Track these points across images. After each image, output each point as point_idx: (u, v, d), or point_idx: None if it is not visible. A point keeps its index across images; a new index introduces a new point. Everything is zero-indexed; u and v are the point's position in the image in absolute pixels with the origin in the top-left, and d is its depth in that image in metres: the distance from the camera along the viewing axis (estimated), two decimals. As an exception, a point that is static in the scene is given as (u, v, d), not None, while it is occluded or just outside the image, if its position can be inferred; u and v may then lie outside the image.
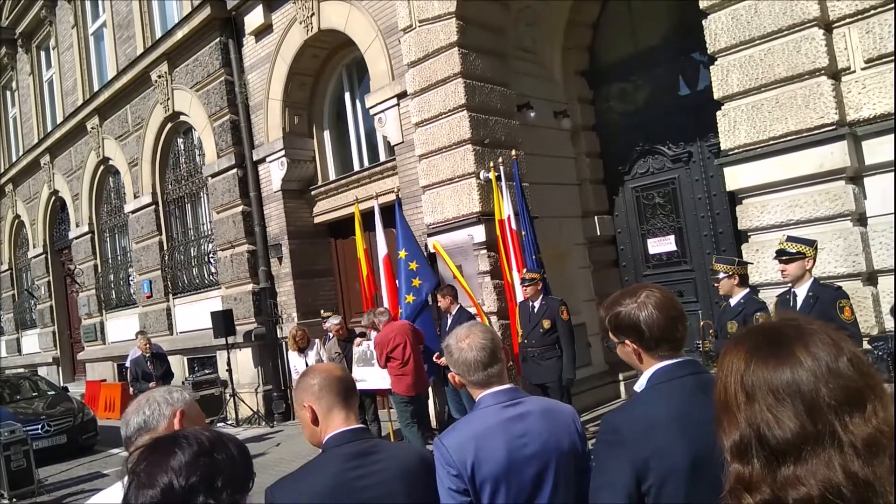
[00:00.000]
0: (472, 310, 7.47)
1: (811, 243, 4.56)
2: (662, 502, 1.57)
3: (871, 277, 5.17)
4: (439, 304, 7.39)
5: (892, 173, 5.03)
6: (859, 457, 0.90)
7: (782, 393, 0.95)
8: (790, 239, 4.62)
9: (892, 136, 4.99)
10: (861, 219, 5.24)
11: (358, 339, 7.88)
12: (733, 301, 5.10)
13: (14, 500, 7.84)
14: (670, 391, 1.68)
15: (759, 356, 1.00)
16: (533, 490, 1.90)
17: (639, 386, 1.78)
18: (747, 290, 5.13)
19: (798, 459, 0.92)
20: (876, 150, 5.13)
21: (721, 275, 5.13)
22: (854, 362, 0.96)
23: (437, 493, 1.92)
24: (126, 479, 1.21)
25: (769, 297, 5.10)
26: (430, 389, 7.89)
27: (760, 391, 0.97)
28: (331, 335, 8.31)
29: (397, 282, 8.20)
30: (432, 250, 8.09)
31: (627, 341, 1.76)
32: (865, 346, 4.17)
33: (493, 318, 7.57)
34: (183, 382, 11.29)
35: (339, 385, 1.92)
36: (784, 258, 4.53)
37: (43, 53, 18.21)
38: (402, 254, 7.96)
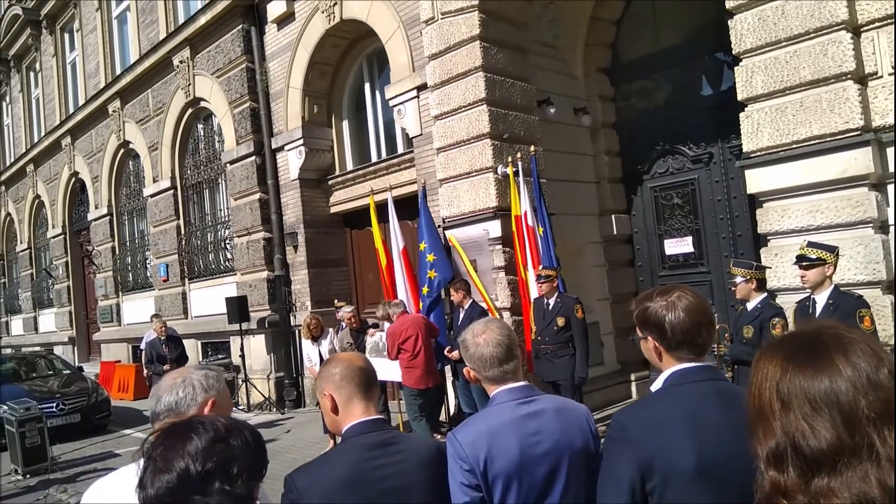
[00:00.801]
0: (484, 305, 7.47)
1: (832, 249, 4.50)
2: (666, 501, 1.57)
3: (890, 286, 5.10)
4: (452, 297, 7.39)
5: (894, 184, 4.96)
6: None
7: (819, 402, 0.93)
8: (811, 245, 4.56)
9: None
10: (883, 226, 5.17)
11: (371, 330, 7.91)
12: (750, 305, 5.06)
13: (27, 476, 7.97)
14: (685, 394, 1.68)
15: (796, 364, 0.98)
16: (544, 488, 1.90)
17: (655, 386, 1.78)
18: (765, 294, 5.09)
19: (833, 471, 0.90)
20: (901, 157, 5.05)
21: (738, 279, 5.09)
22: (894, 374, 0.94)
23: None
24: (142, 463, 1.22)
25: (787, 302, 5.05)
26: (450, 383, 7.91)
27: (797, 399, 0.95)
28: (343, 325, 8.34)
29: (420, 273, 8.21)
30: (448, 243, 8.09)
31: (650, 338, 1.77)
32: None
33: (507, 314, 7.56)
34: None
35: (361, 375, 1.92)
36: (804, 264, 4.48)
37: (67, 35, 18.36)
38: (422, 245, 7.96)
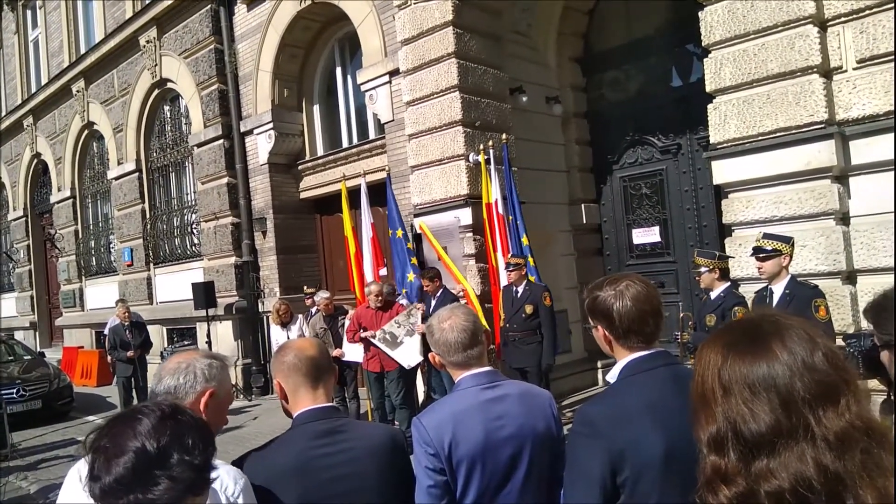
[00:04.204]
0: (454, 291, 7.43)
1: (787, 240, 4.58)
2: (638, 494, 1.58)
3: (850, 276, 5.23)
4: (425, 287, 7.30)
5: (882, 173, 5.05)
6: (831, 450, 0.91)
7: (758, 387, 0.96)
8: (766, 236, 4.64)
9: (881, 136, 5.02)
10: (844, 218, 5.29)
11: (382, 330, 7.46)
12: (713, 294, 5.15)
13: (-14, 462, 7.80)
14: (643, 382, 1.70)
15: (736, 351, 1.01)
16: (508, 471, 1.92)
17: (611, 377, 1.79)
18: (728, 284, 5.18)
19: (772, 452, 0.93)
20: (863, 150, 5.16)
21: (702, 268, 5.17)
22: (829, 357, 0.98)
23: (406, 473, 1.93)
24: (88, 458, 1.17)
25: (750, 291, 5.14)
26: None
27: (737, 385, 0.98)
28: (313, 311, 8.28)
29: (394, 260, 8.13)
30: (418, 231, 8.07)
31: (600, 327, 1.80)
32: (839, 342, 4.23)
33: (476, 301, 7.57)
34: (161, 353, 11.23)
35: (309, 364, 1.89)
36: (761, 255, 4.56)
37: (29, 12, 17.84)
38: (399, 233, 7.91)
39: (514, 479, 1.91)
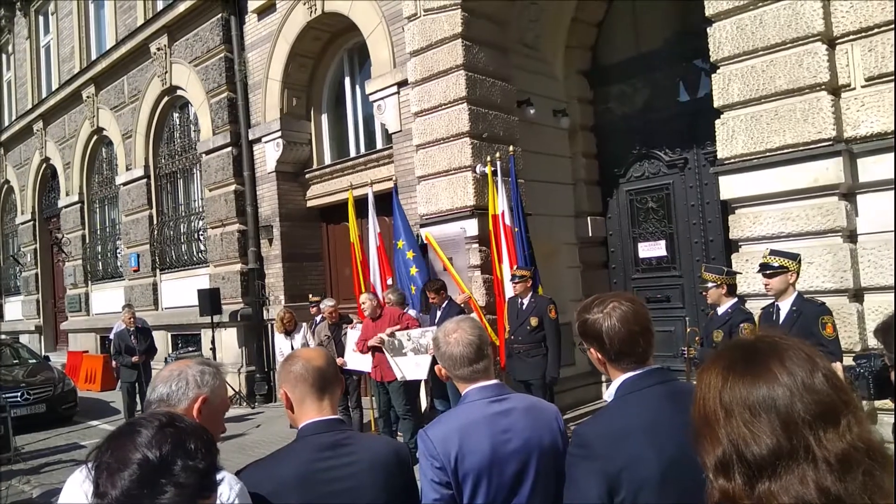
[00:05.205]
0: (458, 300, 7.41)
1: (794, 257, 4.58)
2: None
3: (857, 294, 5.20)
4: (431, 299, 7.26)
5: (890, 191, 5.04)
6: (832, 472, 0.90)
7: (758, 409, 0.96)
8: (773, 253, 4.63)
9: (888, 154, 5.02)
10: (851, 236, 5.27)
11: (390, 329, 7.27)
12: (721, 310, 5.14)
13: (-11, 466, 7.80)
14: (639, 401, 1.69)
15: (735, 373, 1.01)
16: (513, 485, 1.91)
17: (608, 395, 1.79)
18: (735, 300, 5.17)
19: (773, 475, 0.93)
20: (870, 168, 5.15)
21: (710, 284, 5.16)
22: (829, 378, 0.97)
23: (410, 488, 1.93)
24: (92, 475, 1.17)
25: (757, 307, 5.13)
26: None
27: (738, 407, 0.97)
28: (318, 319, 8.28)
29: (395, 271, 8.13)
30: (424, 241, 8.07)
31: (592, 349, 1.80)
32: (849, 361, 4.21)
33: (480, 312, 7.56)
34: (166, 359, 11.24)
35: (316, 375, 1.89)
36: (767, 272, 4.55)
37: (41, 18, 17.99)
38: (400, 243, 7.92)
39: (520, 493, 1.91)
